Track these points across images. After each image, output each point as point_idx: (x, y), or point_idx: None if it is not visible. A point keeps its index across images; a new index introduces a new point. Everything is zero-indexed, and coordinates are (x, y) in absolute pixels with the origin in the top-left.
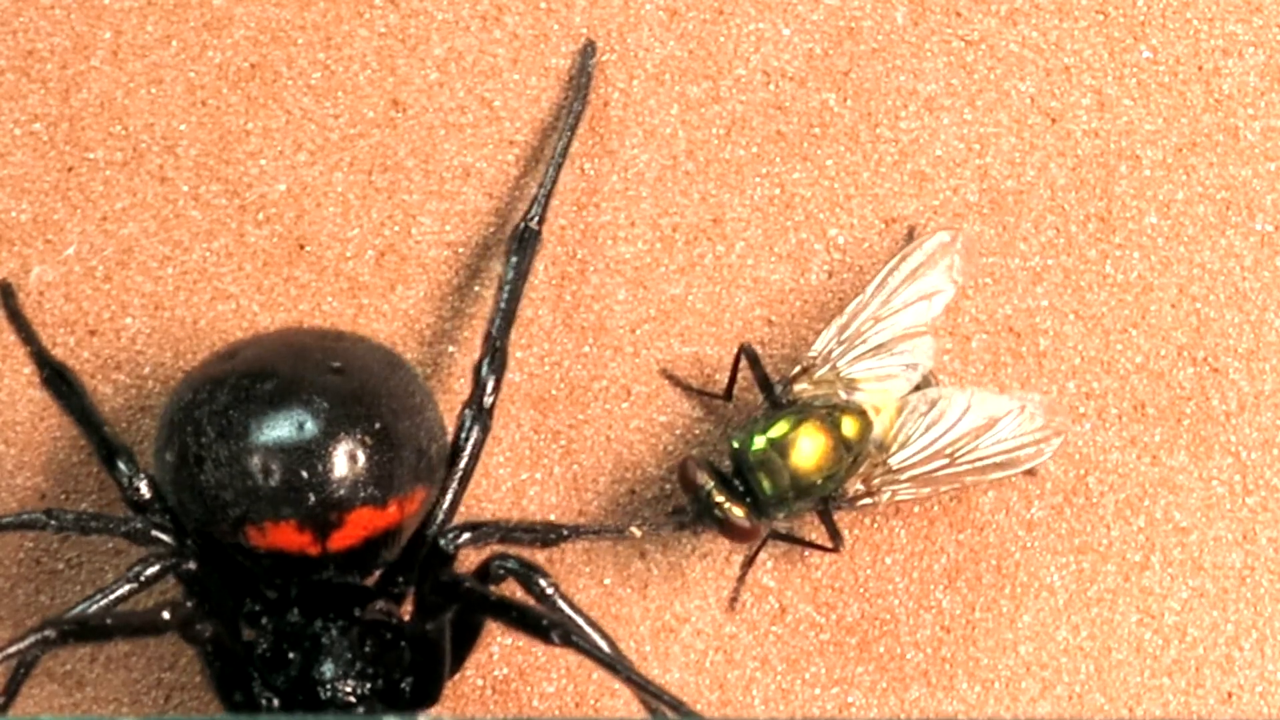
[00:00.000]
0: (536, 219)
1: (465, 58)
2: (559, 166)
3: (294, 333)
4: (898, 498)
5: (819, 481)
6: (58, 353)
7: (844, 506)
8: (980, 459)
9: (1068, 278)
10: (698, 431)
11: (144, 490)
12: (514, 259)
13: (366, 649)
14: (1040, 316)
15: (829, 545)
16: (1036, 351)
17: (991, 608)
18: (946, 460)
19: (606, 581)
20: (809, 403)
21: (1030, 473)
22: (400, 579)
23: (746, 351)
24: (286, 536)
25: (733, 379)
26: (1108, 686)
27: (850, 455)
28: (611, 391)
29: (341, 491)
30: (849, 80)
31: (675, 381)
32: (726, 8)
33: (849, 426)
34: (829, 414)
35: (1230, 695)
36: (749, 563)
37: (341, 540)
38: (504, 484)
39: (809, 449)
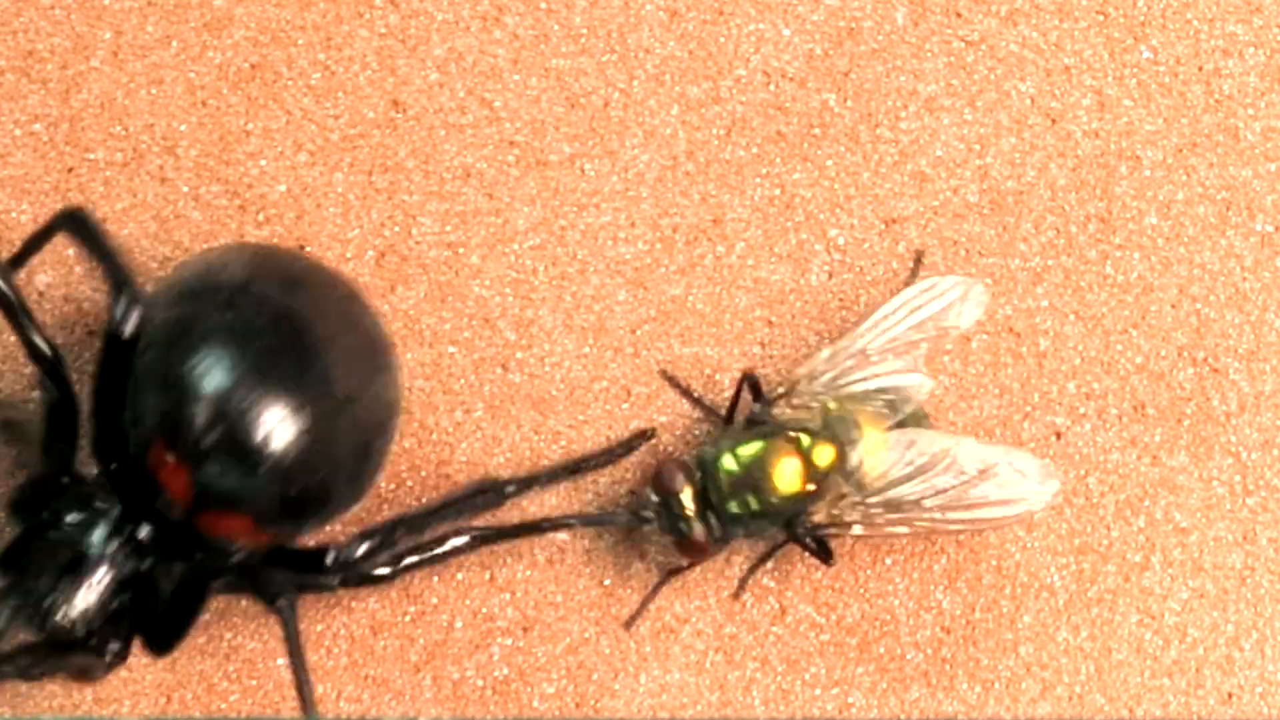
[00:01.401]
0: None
1: (465, 58)
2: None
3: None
4: (866, 532)
5: (781, 505)
6: None
7: (806, 535)
8: (956, 509)
9: (1068, 278)
10: (697, 432)
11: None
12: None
13: (115, 605)
14: (1040, 316)
15: (822, 559)
16: (1036, 351)
17: (991, 608)
18: (921, 506)
19: (606, 582)
20: (783, 425)
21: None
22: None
23: (749, 380)
24: (175, 479)
25: (734, 404)
26: (1108, 687)
27: (817, 483)
28: (611, 392)
29: (245, 494)
30: (849, 81)
31: (680, 389)
32: (726, 8)
33: (820, 454)
34: (800, 439)
35: (1230, 696)
36: (761, 562)
37: (204, 524)
38: None
39: (775, 471)
